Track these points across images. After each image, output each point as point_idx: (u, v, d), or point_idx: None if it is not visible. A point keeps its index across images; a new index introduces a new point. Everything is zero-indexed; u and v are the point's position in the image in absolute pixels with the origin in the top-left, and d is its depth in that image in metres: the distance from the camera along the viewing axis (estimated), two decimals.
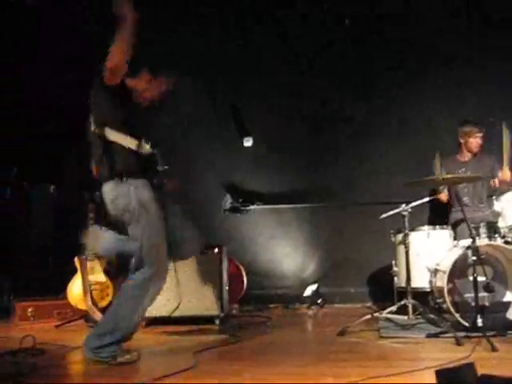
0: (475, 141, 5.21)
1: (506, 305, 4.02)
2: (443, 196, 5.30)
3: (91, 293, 4.87)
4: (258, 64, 6.08)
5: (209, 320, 4.67)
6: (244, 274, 5.75)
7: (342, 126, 6.07)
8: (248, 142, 6.12)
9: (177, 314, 4.71)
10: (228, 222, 5.99)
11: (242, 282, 5.73)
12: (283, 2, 6.12)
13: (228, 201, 6.01)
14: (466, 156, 5.30)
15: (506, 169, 4.96)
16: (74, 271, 4.99)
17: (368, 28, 6.01)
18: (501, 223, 4.30)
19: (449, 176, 4.05)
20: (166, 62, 6.02)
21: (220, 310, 4.70)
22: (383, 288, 5.26)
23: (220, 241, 5.13)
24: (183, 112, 6.12)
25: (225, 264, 4.94)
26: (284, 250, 6.19)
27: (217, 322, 4.69)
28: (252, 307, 5.72)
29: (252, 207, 6.07)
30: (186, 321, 4.66)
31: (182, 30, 6.09)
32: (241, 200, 6.03)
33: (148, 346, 3.75)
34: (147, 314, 4.67)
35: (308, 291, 5.88)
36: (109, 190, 3.25)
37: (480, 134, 5.21)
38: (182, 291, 4.74)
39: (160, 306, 4.71)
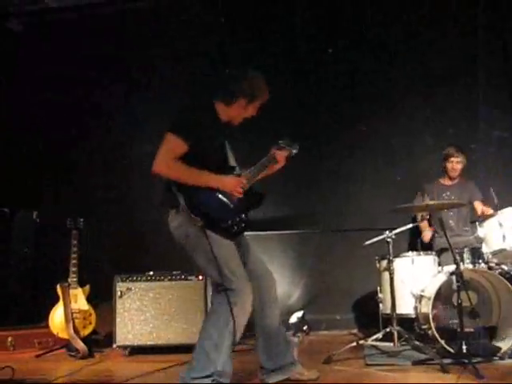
0: (451, 165, 5.25)
1: (491, 330, 4.02)
2: (426, 237, 5.30)
3: (73, 321, 4.79)
4: None
5: (193, 347, 4.59)
6: None
7: (326, 153, 6.09)
8: None
9: (161, 342, 4.65)
10: None
11: None
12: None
13: None
14: (449, 180, 5.34)
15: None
16: (56, 299, 4.91)
17: (355, 56, 6.08)
18: (484, 249, 4.33)
19: (432, 202, 4.10)
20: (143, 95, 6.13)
21: None
22: (369, 314, 5.23)
23: None
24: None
25: (209, 291, 4.89)
26: None
27: None
28: None
29: None
30: (171, 349, 4.60)
31: (156, 51, 6.16)
32: None
33: (133, 376, 3.68)
34: (131, 343, 4.65)
35: (293, 318, 5.82)
36: (170, 219, 3.18)
37: (456, 159, 5.22)
38: (166, 319, 4.69)
39: (144, 334, 4.66)
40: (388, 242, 4.43)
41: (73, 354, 4.63)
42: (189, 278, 4.82)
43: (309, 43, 6.13)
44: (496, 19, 5.87)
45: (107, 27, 6.16)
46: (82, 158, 6.30)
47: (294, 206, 6.13)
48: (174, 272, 4.87)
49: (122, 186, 6.20)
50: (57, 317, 4.87)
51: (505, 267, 4.33)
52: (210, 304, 4.82)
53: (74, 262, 4.94)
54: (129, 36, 6.21)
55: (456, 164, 5.25)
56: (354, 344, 4.16)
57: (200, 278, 4.79)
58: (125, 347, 4.68)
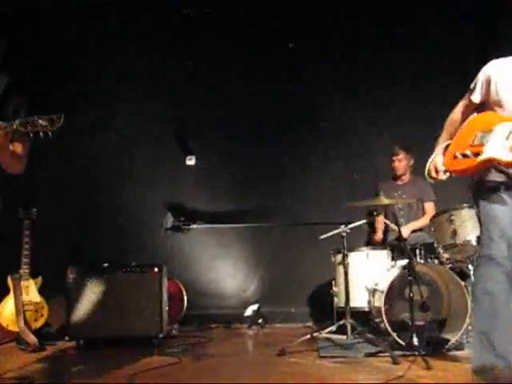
0: (393, 164, 5.36)
1: (441, 323, 4.13)
2: (378, 237, 5.41)
3: (24, 313, 4.69)
4: (201, 81, 6.07)
5: (148, 340, 4.57)
6: (184, 293, 5.68)
7: (284, 148, 6.11)
8: (190, 161, 6.11)
9: (115, 334, 4.59)
10: (169, 241, 5.92)
11: (183, 301, 5.65)
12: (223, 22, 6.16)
13: (169, 219, 5.94)
14: (401, 179, 5.44)
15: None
16: (7, 291, 4.80)
17: (314, 51, 6.11)
18: (436, 244, 4.43)
19: (388, 201, 4.19)
20: (107, 81, 6.02)
21: (159, 330, 4.62)
22: (323, 308, 5.30)
23: (161, 260, 5.06)
24: (126, 130, 6.06)
25: (164, 283, 4.87)
26: (225, 270, 6.16)
27: (156, 342, 4.60)
28: (193, 327, 5.65)
29: (193, 226, 6.02)
30: (124, 341, 4.55)
31: (120, 48, 6.05)
32: (182, 219, 5.98)
33: (85, 367, 3.63)
34: (84, 335, 4.57)
35: (249, 311, 5.85)
36: None
37: (397, 157, 5.33)
38: (120, 311, 4.64)
39: (98, 327, 4.59)
40: (343, 237, 4.49)
41: (23, 347, 4.52)
42: (144, 269, 4.76)
43: (270, 36, 6.11)
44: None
45: (87, 15, 6.02)
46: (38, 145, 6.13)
47: (251, 199, 6.15)
48: (129, 263, 4.82)
49: (78, 175, 6.07)
50: (7, 309, 4.75)
51: (455, 262, 4.46)
52: (165, 296, 4.83)
53: (25, 253, 4.82)
54: (111, 23, 6.08)
55: (397, 162, 5.35)
56: (308, 336, 4.21)
57: (156, 270, 4.75)
58: (78, 339, 4.61)
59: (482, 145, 2.75)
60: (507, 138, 2.69)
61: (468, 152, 2.78)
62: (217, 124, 6.14)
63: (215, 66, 6.10)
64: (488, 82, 2.87)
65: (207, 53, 6.11)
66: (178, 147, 6.13)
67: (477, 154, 2.74)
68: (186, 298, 5.66)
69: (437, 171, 2.97)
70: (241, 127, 6.11)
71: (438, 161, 2.99)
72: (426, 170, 3.06)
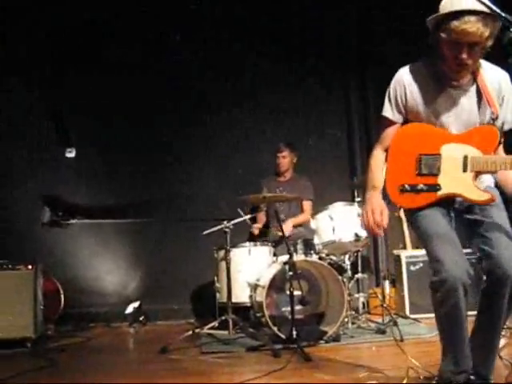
0: (277, 160, 5.52)
1: (319, 316, 4.29)
2: (255, 228, 5.52)
3: None
4: (83, 70, 5.83)
5: (21, 343, 4.32)
6: (62, 291, 5.43)
7: (167, 142, 6.04)
8: (70, 153, 5.87)
9: None
10: (47, 236, 5.62)
11: (60, 300, 5.40)
12: None
13: (47, 214, 5.65)
14: (284, 176, 5.59)
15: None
16: None
17: (200, 48, 6.09)
18: (316, 240, 4.60)
19: (269, 195, 4.28)
20: None
21: (33, 331, 4.39)
22: (206, 304, 5.30)
23: (37, 256, 4.81)
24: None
25: (40, 281, 4.63)
26: (105, 267, 5.96)
27: (29, 344, 4.35)
28: (71, 327, 5.42)
29: (73, 221, 5.77)
30: None
31: None
32: (61, 213, 5.71)
33: None
34: None
35: (130, 308, 5.72)
36: None
37: (281, 154, 5.50)
38: None
39: None
40: (226, 232, 4.53)
41: None
42: (17, 267, 4.50)
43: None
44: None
45: None
46: None
47: (133, 194, 5.99)
48: (1, 261, 4.53)
49: None
50: None
51: (334, 258, 4.67)
52: (40, 295, 4.59)
53: None
54: None
55: (282, 159, 5.52)
56: (190, 333, 4.20)
57: (29, 267, 4.50)
58: None
59: (433, 175, 2.35)
60: (464, 168, 2.32)
61: (421, 186, 2.34)
62: (97, 116, 5.92)
63: (91, 52, 5.87)
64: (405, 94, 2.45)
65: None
66: (57, 139, 5.85)
67: (433, 187, 2.34)
68: (63, 296, 5.41)
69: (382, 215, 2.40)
70: (123, 120, 5.94)
71: (378, 205, 2.43)
72: (362, 222, 2.50)
